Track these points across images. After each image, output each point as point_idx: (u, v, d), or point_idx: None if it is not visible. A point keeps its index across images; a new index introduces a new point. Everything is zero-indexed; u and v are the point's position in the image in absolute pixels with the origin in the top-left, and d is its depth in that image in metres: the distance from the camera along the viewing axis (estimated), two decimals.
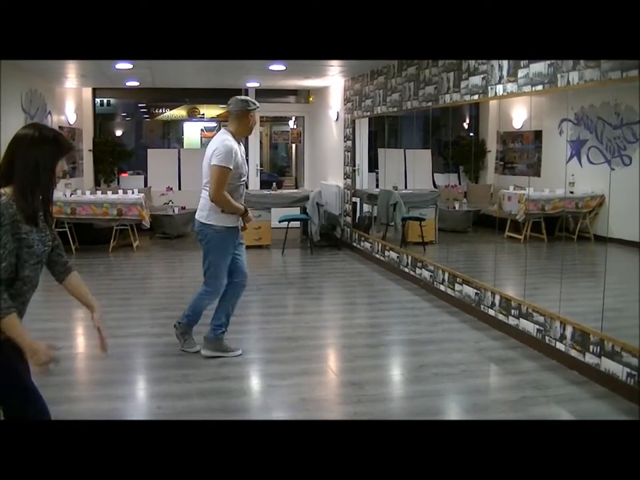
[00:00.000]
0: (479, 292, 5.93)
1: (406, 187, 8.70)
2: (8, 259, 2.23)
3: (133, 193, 9.73)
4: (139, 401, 4.22)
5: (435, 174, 8.71)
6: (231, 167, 4.54)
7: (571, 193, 5.44)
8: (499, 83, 5.53)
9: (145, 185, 12.12)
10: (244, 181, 4.81)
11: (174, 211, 10.53)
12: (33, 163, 2.28)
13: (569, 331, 4.67)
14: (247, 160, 4.94)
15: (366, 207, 9.57)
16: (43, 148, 2.31)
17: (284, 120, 14.71)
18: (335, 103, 10.52)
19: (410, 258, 7.59)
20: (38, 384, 2.46)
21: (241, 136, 4.85)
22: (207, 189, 4.63)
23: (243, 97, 4.78)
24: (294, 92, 12.41)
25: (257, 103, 4.80)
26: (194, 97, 13.93)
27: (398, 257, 7.96)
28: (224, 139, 4.63)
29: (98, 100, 12.74)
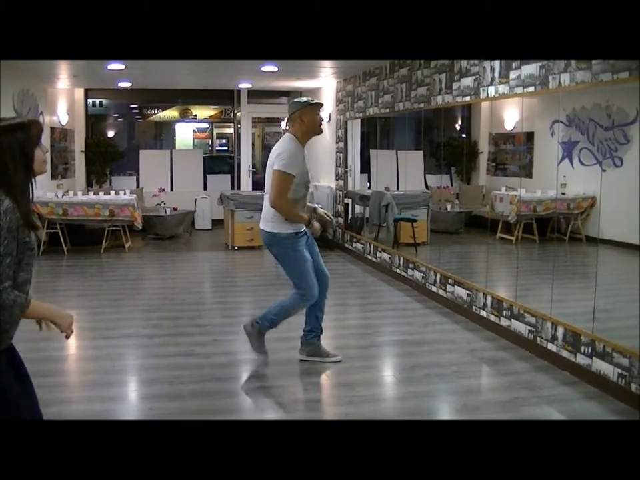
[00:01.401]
0: (470, 293, 5.94)
1: (398, 188, 8.71)
2: (13, 267, 2.08)
3: (125, 193, 9.71)
4: (131, 402, 4.21)
5: (427, 175, 8.72)
6: (294, 174, 4.31)
7: (563, 194, 5.46)
8: (491, 84, 5.54)
9: (137, 185, 12.10)
10: (309, 189, 4.60)
11: (166, 212, 10.49)
12: (19, 158, 2.11)
13: (560, 331, 4.68)
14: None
15: (358, 208, 9.58)
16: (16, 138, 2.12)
17: (276, 121, 14.71)
18: (327, 104, 10.53)
19: (402, 259, 7.60)
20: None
21: (307, 138, 4.52)
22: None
23: (298, 98, 4.57)
24: (286, 93, 12.41)
25: (315, 100, 4.54)
26: (186, 98, 13.92)
27: (390, 258, 7.96)
28: (289, 144, 4.40)
29: (90, 101, 12.70)
